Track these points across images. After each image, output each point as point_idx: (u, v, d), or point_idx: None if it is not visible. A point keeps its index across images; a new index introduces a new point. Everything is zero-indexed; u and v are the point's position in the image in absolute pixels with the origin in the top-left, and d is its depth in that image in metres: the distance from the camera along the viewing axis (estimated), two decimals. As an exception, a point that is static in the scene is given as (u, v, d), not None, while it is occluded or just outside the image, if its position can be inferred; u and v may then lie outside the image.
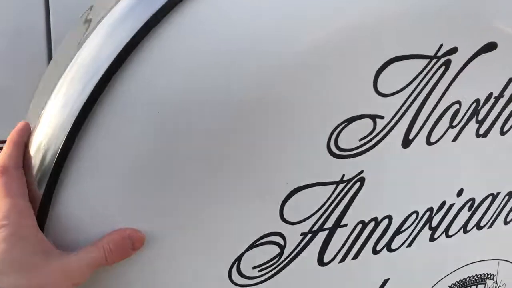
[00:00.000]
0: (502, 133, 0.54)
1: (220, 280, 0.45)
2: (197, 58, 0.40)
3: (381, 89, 0.45)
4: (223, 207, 0.43)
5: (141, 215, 0.41)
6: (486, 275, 0.62)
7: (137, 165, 0.40)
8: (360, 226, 0.50)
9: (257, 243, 0.45)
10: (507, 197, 0.58)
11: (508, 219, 0.60)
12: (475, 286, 0.61)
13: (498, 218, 0.59)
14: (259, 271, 0.47)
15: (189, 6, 0.39)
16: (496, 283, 0.63)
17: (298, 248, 0.48)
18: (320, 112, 0.44)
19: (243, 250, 0.45)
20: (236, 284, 0.46)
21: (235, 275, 0.46)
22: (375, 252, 0.52)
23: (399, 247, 0.53)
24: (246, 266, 0.46)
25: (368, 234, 0.51)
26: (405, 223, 0.53)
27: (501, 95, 0.52)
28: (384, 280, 0.54)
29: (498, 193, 0.57)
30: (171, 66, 0.40)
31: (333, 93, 0.44)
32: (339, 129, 0.45)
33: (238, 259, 0.45)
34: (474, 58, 0.49)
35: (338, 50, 0.43)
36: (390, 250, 0.53)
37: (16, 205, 0.38)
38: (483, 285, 0.62)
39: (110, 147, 0.40)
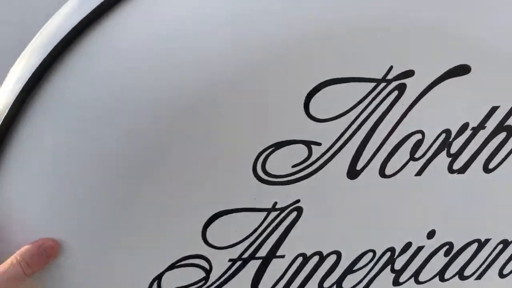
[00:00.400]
0: (487, 170, 0.47)
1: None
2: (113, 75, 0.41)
3: (314, 113, 0.42)
4: (145, 220, 0.43)
5: (61, 223, 0.43)
6: (477, 333, 0.53)
7: (59, 170, 0.42)
8: (301, 258, 0.46)
9: (178, 263, 0.45)
10: (501, 245, 0.50)
11: (505, 272, 0.51)
12: None
13: (490, 269, 0.50)
14: (184, 293, 0.46)
15: (112, 17, 0.41)
16: None
17: (227, 275, 0.46)
18: (245, 134, 0.42)
19: (163, 269, 0.44)
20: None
21: (162, 291, 0.45)
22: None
23: (353, 287, 0.48)
24: (168, 287, 0.45)
25: (312, 269, 0.47)
26: (358, 261, 0.48)
27: (481, 126, 0.45)
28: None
29: (487, 240, 0.49)
30: (92, 74, 0.41)
31: (259, 115, 0.42)
32: (266, 153, 0.42)
33: (158, 277, 0.45)
34: (438, 83, 0.43)
35: (264, 70, 0.41)
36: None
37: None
38: None
39: (35, 149, 0.42)
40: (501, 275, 0.51)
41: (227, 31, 0.40)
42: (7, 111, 0.41)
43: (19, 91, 0.41)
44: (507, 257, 0.50)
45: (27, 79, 0.41)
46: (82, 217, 0.43)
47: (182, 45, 0.40)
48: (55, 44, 0.40)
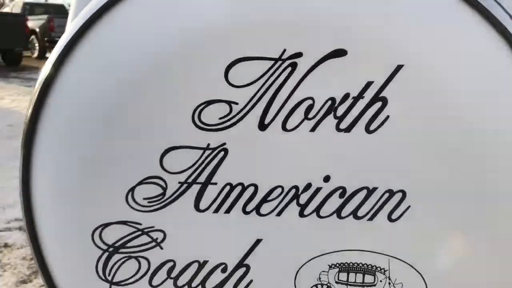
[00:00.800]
0: (369, 131, 0.61)
1: (118, 204, 0.67)
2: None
3: (232, 81, 0.61)
4: (120, 150, 0.66)
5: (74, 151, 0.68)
6: (374, 267, 0.66)
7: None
8: (228, 187, 0.65)
9: (144, 181, 0.66)
10: (387, 194, 0.63)
11: (393, 217, 0.64)
12: (361, 274, 0.66)
13: (380, 213, 0.64)
14: (148, 202, 0.67)
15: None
16: (390, 279, 0.66)
17: (177, 193, 0.66)
18: (185, 94, 0.63)
19: (133, 184, 0.67)
20: (133, 208, 0.68)
21: (130, 201, 0.67)
22: (245, 212, 0.66)
23: (268, 213, 0.66)
24: (139, 196, 0.67)
25: (237, 195, 0.66)
26: (270, 194, 0.65)
27: (360, 96, 0.60)
28: (257, 239, 0.67)
29: (375, 188, 0.63)
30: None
31: (193, 81, 0.62)
32: (200, 108, 0.63)
33: (132, 189, 0.67)
34: (322, 62, 0.59)
35: (195, 50, 0.61)
36: (259, 214, 0.66)
37: None
38: (372, 277, 0.66)
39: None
40: (390, 219, 0.64)
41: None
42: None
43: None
44: (393, 205, 0.63)
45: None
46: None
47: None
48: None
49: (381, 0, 0.58)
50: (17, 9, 15.01)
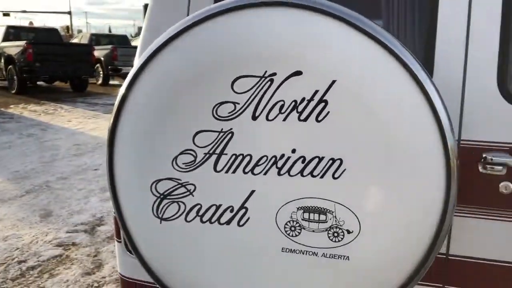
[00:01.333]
0: (317, 121, 0.99)
1: (167, 167, 1.08)
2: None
3: (236, 90, 1.02)
4: (169, 135, 1.08)
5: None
6: (325, 209, 1.03)
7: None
8: (234, 156, 1.05)
9: (183, 152, 1.07)
10: (330, 161, 1.00)
11: (336, 175, 1.01)
12: (317, 214, 1.03)
13: (327, 173, 1.01)
14: (185, 165, 1.08)
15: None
16: (335, 218, 1.02)
17: (203, 160, 1.07)
18: (208, 99, 1.04)
19: (176, 154, 1.08)
20: (176, 170, 1.08)
21: (174, 165, 1.08)
22: (244, 172, 1.05)
23: (259, 173, 1.05)
24: (180, 162, 1.08)
25: (240, 161, 1.05)
26: (260, 160, 1.04)
27: (311, 99, 0.99)
28: (252, 190, 1.06)
29: (322, 158, 1.01)
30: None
31: (213, 91, 1.03)
32: (217, 106, 1.03)
33: (175, 158, 1.08)
34: (288, 79, 0.99)
35: (216, 72, 1.03)
36: (253, 173, 1.05)
37: None
38: (325, 216, 1.03)
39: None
40: (333, 177, 1.01)
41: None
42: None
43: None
44: (335, 168, 1.00)
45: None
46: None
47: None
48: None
49: (321, 44, 0.97)
50: (84, 40, 16.40)
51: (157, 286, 1.36)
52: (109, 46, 14.69)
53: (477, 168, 1.25)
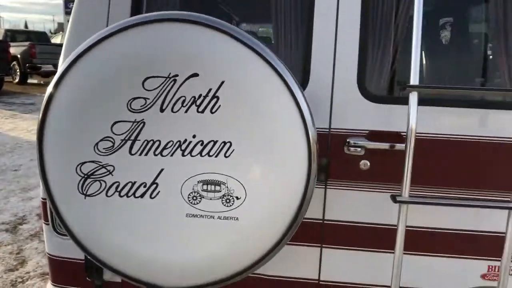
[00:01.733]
0: (212, 112, 1.28)
1: (90, 152, 1.31)
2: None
3: (146, 87, 1.27)
4: (91, 124, 1.31)
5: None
6: (219, 181, 1.31)
7: None
8: (146, 141, 1.31)
9: (103, 138, 1.31)
10: (222, 144, 1.29)
11: (227, 155, 1.30)
12: (213, 185, 1.32)
13: (220, 153, 1.30)
14: (105, 150, 1.32)
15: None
16: (228, 188, 1.31)
17: (120, 145, 1.31)
18: (124, 95, 1.29)
19: (97, 140, 1.31)
20: (97, 154, 1.31)
21: (96, 150, 1.31)
22: (155, 154, 1.31)
23: (167, 154, 1.31)
24: (101, 147, 1.31)
25: (151, 146, 1.31)
26: (167, 144, 1.30)
27: (206, 95, 1.27)
28: (161, 169, 1.32)
29: (216, 141, 1.29)
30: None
31: (128, 88, 1.28)
32: (131, 100, 1.28)
33: (97, 144, 1.31)
34: (188, 79, 1.26)
35: (130, 72, 1.27)
36: (162, 155, 1.31)
37: None
38: (219, 186, 1.32)
39: None
40: (225, 156, 1.30)
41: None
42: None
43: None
44: (226, 148, 1.29)
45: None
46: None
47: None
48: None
49: (213, 52, 1.25)
50: (-2, 36, 15.54)
51: (83, 257, 1.58)
52: (27, 43, 14.06)
53: (343, 150, 1.60)
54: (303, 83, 1.62)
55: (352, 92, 1.61)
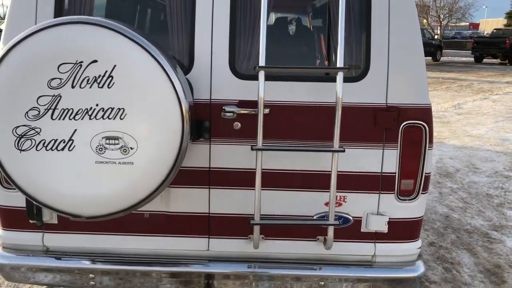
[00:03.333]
0: (109, 87, 1.80)
1: (22, 118, 1.82)
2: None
3: (60, 71, 1.78)
4: (23, 98, 1.81)
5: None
6: (118, 137, 1.85)
7: None
8: (63, 110, 1.83)
9: (31, 108, 1.82)
10: (117, 110, 1.82)
11: (121, 117, 1.83)
12: (113, 140, 1.85)
13: (117, 116, 1.83)
14: (33, 117, 1.83)
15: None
16: (124, 141, 1.85)
17: (44, 112, 1.82)
18: (44, 76, 1.80)
19: (27, 110, 1.82)
20: (28, 119, 1.82)
21: (27, 116, 1.82)
22: (69, 119, 1.83)
23: (78, 119, 1.83)
24: (30, 115, 1.82)
25: (66, 113, 1.83)
26: (78, 111, 1.83)
27: (104, 75, 1.79)
28: (75, 129, 1.84)
29: (113, 108, 1.82)
30: None
31: (46, 71, 1.79)
32: (50, 80, 1.79)
33: (27, 112, 1.82)
34: (90, 64, 1.78)
35: (47, 60, 1.78)
36: (75, 119, 1.83)
37: None
38: (117, 140, 1.85)
39: None
40: (120, 118, 1.83)
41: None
42: None
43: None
44: (121, 113, 1.82)
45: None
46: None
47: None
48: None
49: (107, 44, 1.77)
50: None
51: (27, 203, 2.10)
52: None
53: (220, 115, 2.17)
54: (189, 68, 2.17)
55: (225, 72, 2.17)
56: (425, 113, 2.20)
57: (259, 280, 2.30)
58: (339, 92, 2.00)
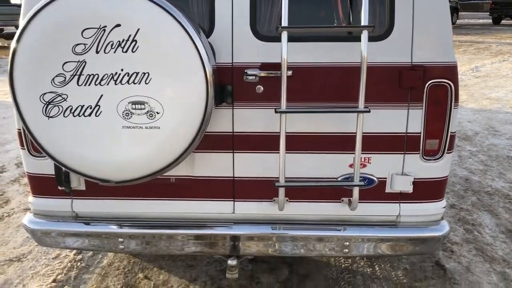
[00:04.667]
0: (133, 52, 1.80)
1: (49, 84, 1.83)
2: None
3: (84, 36, 1.78)
4: (52, 63, 1.82)
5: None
6: (144, 101, 1.86)
7: None
8: (88, 75, 1.84)
9: (57, 75, 1.83)
10: (142, 74, 1.83)
11: (147, 82, 1.83)
12: (140, 104, 1.86)
13: (142, 81, 1.83)
14: (59, 83, 1.84)
15: None
16: (150, 106, 1.86)
17: (70, 79, 1.84)
18: (70, 41, 1.80)
19: (53, 76, 1.83)
20: (54, 86, 1.83)
21: (53, 83, 1.83)
22: (95, 84, 1.84)
23: (104, 84, 1.84)
24: (56, 81, 1.83)
25: (92, 78, 1.84)
26: (104, 76, 1.83)
27: (127, 39, 1.78)
28: (101, 94, 1.85)
29: (138, 72, 1.82)
30: None
31: (72, 36, 1.79)
32: (74, 46, 1.80)
33: (53, 78, 1.83)
34: (113, 29, 1.77)
35: (71, 26, 1.78)
36: (101, 85, 1.84)
37: None
38: (143, 105, 1.86)
39: None
40: (146, 83, 1.83)
41: None
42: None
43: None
44: (146, 77, 1.83)
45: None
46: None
47: None
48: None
49: (130, 9, 1.76)
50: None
51: (56, 170, 2.14)
52: (-14, 6, 13.91)
53: (243, 78, 2.16)
54: (210, 31, 2.15)
55: (247, 34, 2.14)
56: (451, 71, 2.16)
57: (283, 241, 2.33)
58: (364, 52, 1.97)
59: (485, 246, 3.40)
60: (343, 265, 3.18)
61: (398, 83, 2.15)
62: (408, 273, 3.07)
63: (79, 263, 3.22)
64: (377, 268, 3.14)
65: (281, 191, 2.19)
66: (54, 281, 3.01)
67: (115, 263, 3.23)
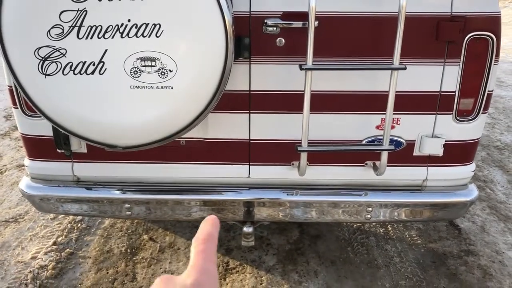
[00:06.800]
0: (141, 1, 1.54)
1: (44, 38, 1.58)
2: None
3: (84, -20, 1.52)
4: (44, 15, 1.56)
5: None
6: (154, 58, 1.62)
7: None
8: (89, 27, 1.58)
9: (54, 26, 1.57)
10: (153, 26, 1.58)
11: (158, 35, 1.59)
12: (150, 61, 1.63)
13: (152, 33, 1.59)
14: (57, 36, 1.59)
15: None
16: (162, 63, 1.63)
17: (69, 31, 1.58)
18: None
19: (50, 28, 1.57)
20: (50, 39, 1.58)
21: (49, 36, 1.58)
22: (98, 37, 1.59)
23: (108, 37, 1.59)
24: (53, 34, 1.58)
25: (94, 31, 1.58)
26: (108, 28, 1.58)
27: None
28: (105, 49, 1.61)
29: (148, 23, 1.58)
30: None
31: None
32: (72, -8, 1.53)
33: (49, 30, 1.58)
34: (118, -29, 1.51)
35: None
36: (105, 38, 1.59)
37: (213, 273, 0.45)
38: (154, 62, 1.63)
39: None
40: (156, 36, 1.59)
41: None
42: None
43: None
44: (157, 29, 1.58)
45: None
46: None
47: None
48: None
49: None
50: None
51: (54, 132, 1.92)
52: None
53: (262, 30, 1.91)
54: (225, -27, 1.87)
55: None
56: (494, 22, 1.94)
57: (304, 207, 2.19)
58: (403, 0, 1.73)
59: (498, 204, 3.32)
60: (354, 225, 3.08)
61: (435, 36, 1.93)
62: (422, 234, 2.99)
63: (79, 224, 3.07)
64: (390, 229, 3.05)
65: (303, 156, 2.01)
66: (54, 243, 2.87)
67: (117, 224, 3.09)
